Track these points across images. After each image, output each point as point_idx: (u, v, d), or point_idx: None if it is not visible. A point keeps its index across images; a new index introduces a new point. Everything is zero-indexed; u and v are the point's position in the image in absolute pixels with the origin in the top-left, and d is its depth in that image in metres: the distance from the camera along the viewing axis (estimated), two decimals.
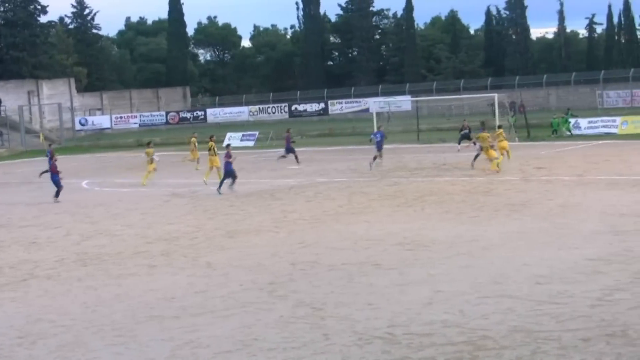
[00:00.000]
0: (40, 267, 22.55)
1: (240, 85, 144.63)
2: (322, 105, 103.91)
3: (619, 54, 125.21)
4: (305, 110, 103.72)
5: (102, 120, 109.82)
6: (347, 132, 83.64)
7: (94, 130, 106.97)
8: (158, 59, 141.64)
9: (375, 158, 46.15)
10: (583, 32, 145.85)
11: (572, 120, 64.87)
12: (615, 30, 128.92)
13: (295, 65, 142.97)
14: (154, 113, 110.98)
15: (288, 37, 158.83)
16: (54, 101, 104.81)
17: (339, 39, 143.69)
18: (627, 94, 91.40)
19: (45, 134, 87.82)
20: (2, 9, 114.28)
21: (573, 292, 16.51)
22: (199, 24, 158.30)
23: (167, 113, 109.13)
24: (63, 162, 66.79)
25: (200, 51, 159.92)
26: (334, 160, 52.49)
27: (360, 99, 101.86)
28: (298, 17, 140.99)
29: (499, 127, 45.47)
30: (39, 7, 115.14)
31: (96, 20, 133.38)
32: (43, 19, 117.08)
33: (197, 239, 25.72)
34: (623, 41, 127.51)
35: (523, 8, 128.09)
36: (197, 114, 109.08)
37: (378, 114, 79.66)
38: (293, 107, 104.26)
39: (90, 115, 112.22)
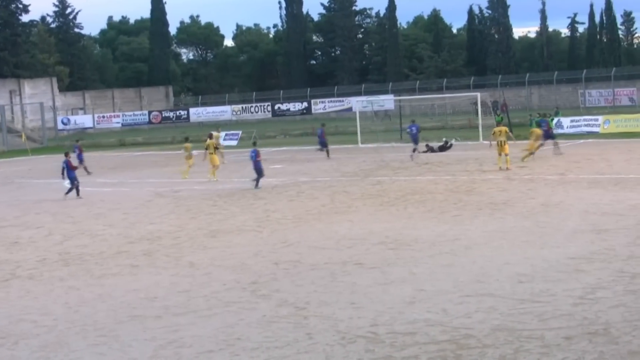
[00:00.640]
0: (22, 267, 22.47)
1: (223, 85, 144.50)
2: (305, 104, 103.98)
3: (601, 53, 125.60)
4: (288, 110, 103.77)
5: (84, 120, 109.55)
6: (330, 132, 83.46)
7: (76, 130, 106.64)
8: (140, 58, 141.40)
9: (414, 150, 49.07)
10: (565, 32, 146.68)
11: (556, 119, 65.06)
12: (597, 29, 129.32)
13: (277, 64, 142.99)
14: (136, 112, 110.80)
15: (271, 36, 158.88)
16: (35, 100, 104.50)
17: (321, 38, 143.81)
18: (609, 93, 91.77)
19: (27, 134, 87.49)
20: None
21: (555, 290, 16.56)
22: (182, 23, 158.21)
23: (149, 112, 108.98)
24: (45, 161, 66.71)
25: (183, 50, 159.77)
26: (316, 159, 52.47)
27: (343, 98, 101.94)
28: (280, 16, 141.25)
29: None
30: (21, 6, 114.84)
31: (78, 20, 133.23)
32: (25, 18, 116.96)
33: (179, 238, 25.67)
34: (605, 40, 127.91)
35: (505, 7, 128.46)
36: (179, 113, 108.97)
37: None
38: (276, 107, 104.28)
39: (72, 114, 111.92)
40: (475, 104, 70.71)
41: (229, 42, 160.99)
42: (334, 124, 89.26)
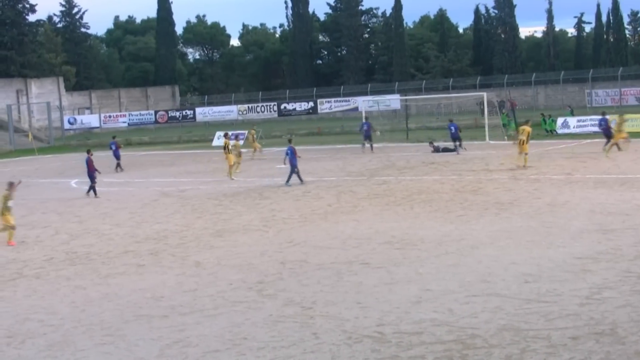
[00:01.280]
0: (29, 266, 22.49)
1: (229, 84, 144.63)
2: (310, 104, 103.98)
3: (608, 53, 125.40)
4: (294, 109, 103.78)
5: (90, 119, 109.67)
6: (335, 131, 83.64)
7: (83, 129, 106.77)
8: (146, 58, 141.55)
9: (459, 146, 51.37)
10: (571, 31, 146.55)
11: (561, 119, 65.07)
12: (604, 29, 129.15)
13: (283, 64, 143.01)
14: (142, 112, 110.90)
15: (277, 36, 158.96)
16: (42, 100, 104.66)
17: (327, 38, 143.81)
18: (616, 93, 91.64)
19: (33, 133, 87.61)
20: None
21: (561, 290, 16.53)
22: (188, 22, 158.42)
23: (155, 112, 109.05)
24: (52, 161, 66.81)
25: (189, 50, 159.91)
26: (322, 159, 52.48)
27: (349, 98, 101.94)
28: (287, 15, 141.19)
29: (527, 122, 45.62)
30: (27, 5, 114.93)
31: (84, 19, 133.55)
32: (31, 17, 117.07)
33: (185, 238, 25.68)
34: (611, 40, 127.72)
35: (512, 7, 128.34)
36: (186, 113, 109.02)
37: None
38: (282, 106, 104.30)
39: (78, 114, 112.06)
40: (481, 103, 70.61)
41: (235, 41, 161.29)
42: (339, 124, 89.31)
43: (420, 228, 24.87)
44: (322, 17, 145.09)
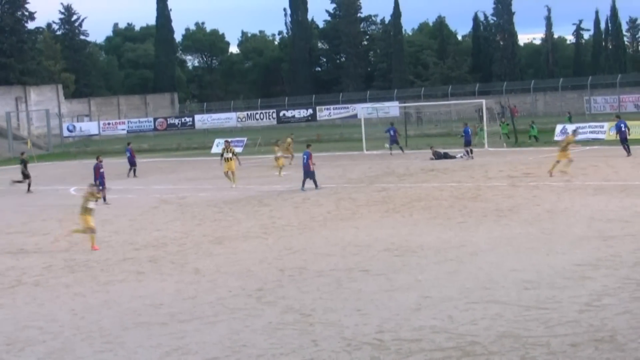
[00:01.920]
0: (28, 274, 22.47)
1: (228, 92, 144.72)
2: (310, 111, 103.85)
3: (606, 60, 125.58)
4: (293, 117, 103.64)
5: (89, 127, 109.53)
6: (335, 138, 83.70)
7: (82, 137, 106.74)
8: (146, 65, 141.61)
9: (469, 152, 51.86)
10: (570, 38, 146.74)
11: (560, 126, 65.14)
12: (603, 36, 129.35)
13: (283, 71, 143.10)
14: (141, 119, 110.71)
15: (276, 43, 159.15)
16: (41, 107, 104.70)
17: (326, 45, 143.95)
18: (615, 100, 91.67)
19: (32, 141, 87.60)
20: None
21: (561, 297, 16.53)
22: (187, 30, 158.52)
23: (155, 119, 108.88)
24: (51, 168, 66.80)
25: (188, 57, 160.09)
26: (321, 166, 52.43)
27: (348, 105, 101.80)
28: (286, 23, 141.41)
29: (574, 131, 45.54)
30: (27, 13, 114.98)
31: (84, 27, 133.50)
32: (30, 25, 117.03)
33: (185, 245, 25.68)
34: (610, 47, 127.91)
35: (510, 14, 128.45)
36: (185, 120, 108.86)
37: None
38: (281, 113, 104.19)
39: (77, 121, 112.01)
40: (480, 110, 70.63)
41: (234, 48, 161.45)
42: (339, 131, 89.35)
43: (420, 235, 24.87)
44: (321, 24, 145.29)
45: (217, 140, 79.38)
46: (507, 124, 67.59)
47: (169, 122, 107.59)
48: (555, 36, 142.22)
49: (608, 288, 17.12)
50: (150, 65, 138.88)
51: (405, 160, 53.09)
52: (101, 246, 26.28)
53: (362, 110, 79.99)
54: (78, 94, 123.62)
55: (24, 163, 48.74)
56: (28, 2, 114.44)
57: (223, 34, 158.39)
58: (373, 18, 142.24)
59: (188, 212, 33.88)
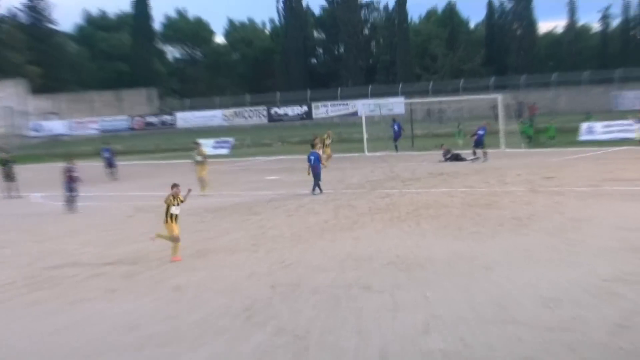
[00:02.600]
0: None
1: (213, 87, 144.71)
2: (304, 108, 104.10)
3: (636, 51, 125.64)
4: (286, 114, 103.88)
5: (57, 126, 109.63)
6: (333, 139, 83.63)
7: (49, 137, 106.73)
8: (121, 57, 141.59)
9: (483, 154, 52.33)
10: (596, 27, 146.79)
11: (585, 125, 65.19)
12: (631, 24, 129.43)
13: (274, 63, 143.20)
14: (116, 117, 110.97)
15: (267, 32, 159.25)
16: (4, 104, 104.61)
17: (323, 35, 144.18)
18: None
19: None
20: None
21: (587, 317, 16.45)
22: (167, 17, 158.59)
23: (131, 117, 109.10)
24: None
25: (169, 48, 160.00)
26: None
27: (348, 101, 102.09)
28: (278, 10, 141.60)
29: None
30: None
31: (52, 14, 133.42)
32: None
33: (163, 259, 25.57)
34: None
35: (529, 0, 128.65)
36: (165, 118, 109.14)
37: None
38: (272, 111, 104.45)
39: (45, 120, 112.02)
40: (495, 107, 70.63)
41: (219, 39, 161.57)
42: (337, 130, 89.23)
43: (428, 247, 24.80)
44: (317, 12, 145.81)
45: (200, 142, 79.37)
46: (530, 125, 67.60)
47: (147, 121, 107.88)
48: (579, 24, 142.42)
49: None
50: (126, 58, 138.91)
51: (411, 163, 53.03)
52: (69, 260, 26.18)
53: (363, 107, 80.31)
54: (45, 89, 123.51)
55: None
56: None
57: (207, 23, 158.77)
58: (375, 5, 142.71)
59: None
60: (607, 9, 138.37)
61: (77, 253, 27.54)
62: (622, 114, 78.47)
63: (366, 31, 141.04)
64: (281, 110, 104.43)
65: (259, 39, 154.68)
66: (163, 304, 19.71)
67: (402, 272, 21.57)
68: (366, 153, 63.65)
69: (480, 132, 53.12)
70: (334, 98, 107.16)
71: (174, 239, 25.41)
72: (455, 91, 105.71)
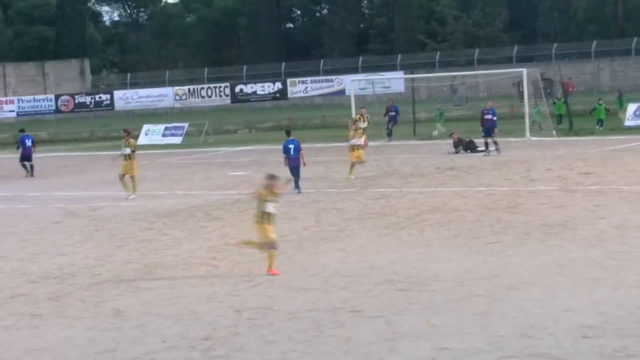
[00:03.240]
0: None
1: (162, 58, 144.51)
2: (278, 85, 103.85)
3: None
4: (254, 93, 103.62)
5: None
6: (314, 124, 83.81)
7: None
8: (44, 20, 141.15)
9: (492, 144, 52.26)
10: None
11: (633, 106, 65.45)
12: None
13: (240, 29, 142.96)
14: (38, 97, 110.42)
15: None
16: None
17: None
18: None
19: None
20: None
21: (635, 349, 16.56)
22: None
23: (57, 97, 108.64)
24: None
25: (105, 9, 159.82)
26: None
27: (333, 77, 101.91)
28: None
29: None
30: None
31: None
32: None
33: (100, 276, 25.59)
34: None
35: None
36: (100, 97, 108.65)
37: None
38: (237, 88, 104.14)
39: None
40: (520, 84, 70.82)
41: None
42: (319, 113, 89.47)
43: (434, 261, 24.90)
44: None
45: (146, 127, 79.44)
46: (563, 101, 67.89)
47: (77, 101, 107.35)
48: None
49: None
50: (51, 21, 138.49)
51: (413, 155, 53.12)
52: None
53: (353, 83, 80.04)
54: None
55: None
56: None
57: None
58: None
59: (105, 228, 33.80)
60: None
61: None
62: None
63: None
64: (248, 88, 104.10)
65: None
66: (99, 333, 19.72)
67: (402, 292, 21.66)
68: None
69: (488, 116, 52.79)
70: (315, 73, 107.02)
71: (270, 245, 24.72)
72: (469, 64, 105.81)
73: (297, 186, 40.41)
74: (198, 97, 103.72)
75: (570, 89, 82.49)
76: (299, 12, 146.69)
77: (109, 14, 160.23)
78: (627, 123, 64.41)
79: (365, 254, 26.43)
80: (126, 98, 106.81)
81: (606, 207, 31.98)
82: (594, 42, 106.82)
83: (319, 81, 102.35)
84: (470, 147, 53.36)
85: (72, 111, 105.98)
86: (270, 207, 24.66)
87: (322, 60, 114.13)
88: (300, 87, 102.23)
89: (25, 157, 55.71)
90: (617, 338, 17.22)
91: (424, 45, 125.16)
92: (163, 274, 25.36)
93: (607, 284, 21.33)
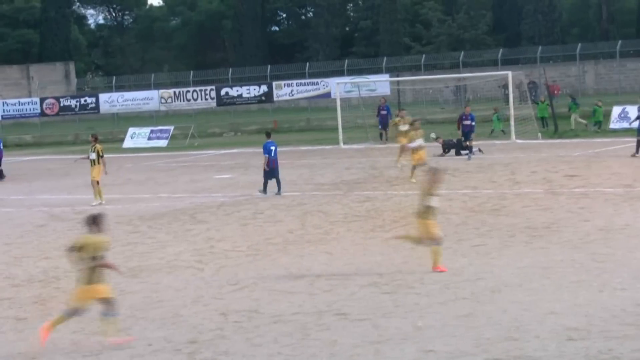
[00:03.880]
0: None
1: (147, 61, 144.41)
2: (263, 88, 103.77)
3: None
4: (239, 96, 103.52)
5: None
6: (299, 127, 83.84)
7: None
8: (28, 23, 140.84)
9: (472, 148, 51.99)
10: None
11: (619, 109, 65.49)
12: None
13: (225, 32, 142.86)
14: (22, 100, 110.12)
15: None
16: None
17: None
18: None
19: None
20: None
21: (620, 351, 16.58)
22: None
23: (42, 100, 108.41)
24: None
25: (89, 12, 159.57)
26: (281, 165, 52.43)
27: (318, 80, 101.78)
28: None
29: None
30: None
31: None
32: None
33: None
34: None
35: None
36: (85, 101, 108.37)
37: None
38: (223, 92, 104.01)
39: None
40: (505, 86, 70.89)
41: (155, 0, 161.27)
42: (304, 116, 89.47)
43: (419, 263, 24.89)
44: None
45: (132, 130, 79.32)
46: (546, 104, 67.99)
47: (62, 104, 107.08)
48: None
49: None
50: (35, 23, 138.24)
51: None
52: None
53: (338, 86, 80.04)
54: None
55: None
56: None
57: None
58: None
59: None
60: None
61: None
62: None
63: None
64: (234, 91, 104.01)
65: (205, 1, 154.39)
66: (84, 337, 19.70)
67: (387, 295, 21.66)
68: (341, 145, 63.71)
69: (467, 121, 52.85)
70: (301, 76, 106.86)
71: (434, 241, 24.21)
72: (454, 67, 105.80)
73: (263, 189, 40.59)
74: (183, 100, 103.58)
75: (556, 92, 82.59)
76: (284, 15, 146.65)
77: (94, 17, 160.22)
78: (612, 126, 64.53)
79: (351, 256, 26.44)
80: (111, 101, 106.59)
81: (591, 209, 32.03)
82: (579, 45, 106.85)
83: (304, 84, 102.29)
84: (458, 146, 53.39)
85: (57, 114, 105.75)
86: (435, 201, 24.36)
87: (307, 63, 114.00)
88: (285, 90, 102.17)
89: None
90: (602, 340, 17.25)
91: (409, 48, 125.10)
92: (148, 277, 25.35)
93: (592, 286, 21.37)
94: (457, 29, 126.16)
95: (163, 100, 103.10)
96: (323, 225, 32.15)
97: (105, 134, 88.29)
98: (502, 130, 64.40)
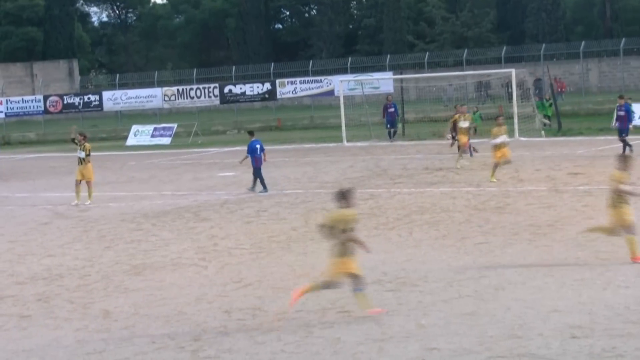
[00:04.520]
0: None
1: (151, 59, 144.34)
2: (267, 86, 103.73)
3: None
4: (243, 94, 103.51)
5: None
6: (302, 124, 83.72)
7: None
8: (32, 21, 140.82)
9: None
10: None
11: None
12: None
13: (228, 30, 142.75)
14: (26, 98, 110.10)
15: None
16: None
17: None
18: None
19: None
20: None
21: (624, 349, 16.56)
22: None
23: (45, 98, 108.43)
24: None
25: (93, 10, 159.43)
26: (284, 163, 52.52)
27: (322, 78, 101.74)
28: None
29: None
30: None
31: None
32: None
33: (89, 277, 25.55)
34: None
35: None
36: (89, 98, 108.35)
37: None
38: (226, 89, 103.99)
39: None
40: (509, 84, 70.82)
41: None
42: (308, 114, 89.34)
43: (423, 261, 24.89)
44: None
45: (135, 128, 79.28)
46: (550, 105, 67.90)
47: (65, 102, 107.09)
48: None
49: None
50: (39, 21, 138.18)
51: (402, 156, 53.09)
52: None
53: (342, 84, 80.00)
54: None
55: None
56: None
57: None
58: None
59: (93, 229, 33.74)
60: None
61: None
62: None
63: None
64: (237, 89, 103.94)
65: None
66: (88, 334, 19.69)
67: (391, 292, 21.65)
68: (345, 143, 63.66)
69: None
70: (304, 73, 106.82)
71: (628, 229, 23.42)
72: (458, 64, 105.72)
73: (264, 187, 40.78)
74: (187, 98, 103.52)
75: (561, 89, 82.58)
76: (287, 13, 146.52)
77: (97, 15, 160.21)
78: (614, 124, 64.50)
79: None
80: (115, 99, 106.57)
81: (594, 207, 31.95)
82: (582, 43, 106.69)
83: (308, 82, 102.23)
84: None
85: (60, 112, 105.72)
86: (627, 189, 23.81)
87: (311, 61, 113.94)
88: (289, 88, 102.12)
89: None
90: (605, 338, 17.23)
91: (412, 46, 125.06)
92: (152, 275, 25.33)
93: (595, 284, 21.35)
94: (460, 26, 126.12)
95: (166, 98, 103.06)
96: None
97: (108, 132, 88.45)
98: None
